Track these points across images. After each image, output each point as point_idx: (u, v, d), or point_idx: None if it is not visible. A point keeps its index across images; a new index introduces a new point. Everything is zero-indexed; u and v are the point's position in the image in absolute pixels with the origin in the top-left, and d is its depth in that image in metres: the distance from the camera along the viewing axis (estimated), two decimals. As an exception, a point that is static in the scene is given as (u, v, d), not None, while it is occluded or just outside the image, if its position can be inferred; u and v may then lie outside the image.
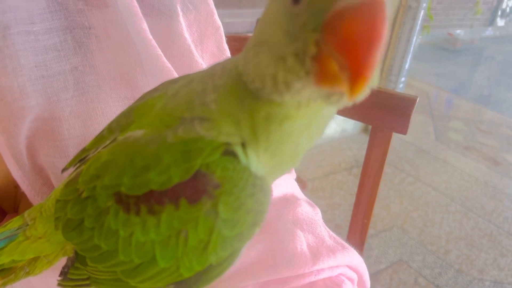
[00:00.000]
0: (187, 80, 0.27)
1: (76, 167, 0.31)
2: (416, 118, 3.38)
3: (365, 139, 2.56)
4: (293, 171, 0.55)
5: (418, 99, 0.52)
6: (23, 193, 0.39)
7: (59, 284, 0.32)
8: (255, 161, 0.24)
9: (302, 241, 0.40)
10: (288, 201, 0.44)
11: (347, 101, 0.22)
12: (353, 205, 0.59)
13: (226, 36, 0.53)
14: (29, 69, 0.34)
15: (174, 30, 0.45)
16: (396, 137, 2.25)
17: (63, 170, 0.33)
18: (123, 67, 0.39)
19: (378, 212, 2.19)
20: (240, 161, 0.24)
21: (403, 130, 0.52)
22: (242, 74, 0.23)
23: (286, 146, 0.24)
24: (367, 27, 0.18)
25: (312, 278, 0.39)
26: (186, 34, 0.46)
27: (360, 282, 0.48)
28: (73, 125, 0.38)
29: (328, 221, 1.79)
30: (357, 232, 0.59)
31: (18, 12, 0.33)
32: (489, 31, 6.35)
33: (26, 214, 0.33)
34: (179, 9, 0.46)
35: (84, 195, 0.27)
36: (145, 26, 0.39)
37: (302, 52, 0.19)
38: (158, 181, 0.24)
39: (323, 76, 0.19)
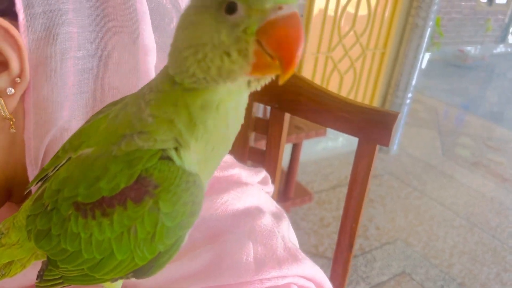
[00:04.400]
0: (123, 104, 0.33)
1: (39, 185, 0.37)
2: (424, 134, 3.41)
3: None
4: (270, 183, 0.55)
5: (399, 114, 0.58)
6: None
7: (37, 286, 0.37)
8: (188, 160, 0.30)
9: (250, 252, 0.42)
10: (250, 214, 0.46)
11: (259, 86, 0.30)
12: (342, 210, 0.65)
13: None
14: (68, 88, 0.41)
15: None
16: (403, 152, 2.27)
17: (27, 189, 0.38)
18: (134, 90, 0.45)
19: (383, 225, 2.22)
20: (175, 163, 0.29)
21: (386, 142, 0.57)
22: (174, 76, 0.29)
23: (220, 128, 0.30)
24: (293, 31, 0.26)
25: (255, 286, 0.42)
26: None
27: None
28: None
29: (333, 233, 1.83)
30: (346, 236, 0.65)
31: (73, 41, 0.40)
32: (500, 48, 6.36)
33: (1, 225, 0.38)
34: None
35: (49, 208, 0.32)
36: (151, 57, 0.45)
37: (245, 48, 0.26)
38: (108, 188, 0.29)
39: (258, 66, 0.27)
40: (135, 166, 0.29)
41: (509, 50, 6.47)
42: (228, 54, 0.27)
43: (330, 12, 2.29)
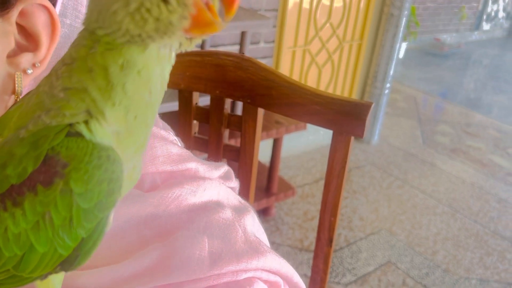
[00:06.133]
0: (36, 87, 0.31)
1: None
2: (404, 123, 3.44)
3: (354, 146, 2.58)
4: (234, 178, 0.52)
5: (372, 104, 0.57)
6: None
7: None
8: (101, 132, 0.27)
9: (204, 247, 0.40)
10: (207, 209, 0.44)
11: (190, 47, 0.28)
12: (320, 204, 0.64)
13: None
14: None
15: None
16: (384, 142, 2.28)
17: None
18: None
19: (367, 216, 2.23)
20: (84, 138, 0.26)
21: (360, 134, 0.56)
22: (102, 37, 0.27)
23: (142, 95, 0.27)
24: None
25: (211, 282, 0.39)
26: None
27: (291, 283, 0.46)
28: None
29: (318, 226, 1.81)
30: (325, 230, 0.64)
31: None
32: (475, 35, 6.46)
33: None
34: None
35: None
36: None
37: None
38: (15, 175, 0.27)
39: (197, 22, 0.26)
40: (41, 146, 0.26)
41: (483, 37, 6.58)
42: (166, 1, 0.25)
43: (306, 4, 2.28)
